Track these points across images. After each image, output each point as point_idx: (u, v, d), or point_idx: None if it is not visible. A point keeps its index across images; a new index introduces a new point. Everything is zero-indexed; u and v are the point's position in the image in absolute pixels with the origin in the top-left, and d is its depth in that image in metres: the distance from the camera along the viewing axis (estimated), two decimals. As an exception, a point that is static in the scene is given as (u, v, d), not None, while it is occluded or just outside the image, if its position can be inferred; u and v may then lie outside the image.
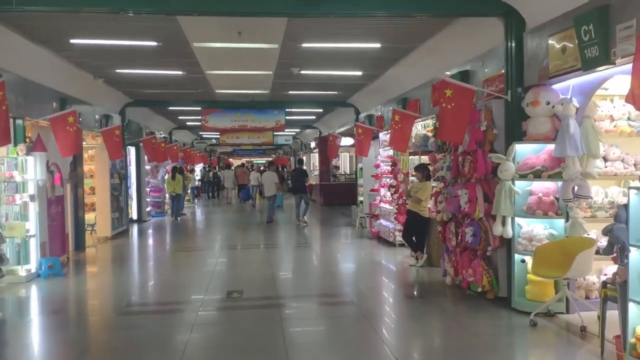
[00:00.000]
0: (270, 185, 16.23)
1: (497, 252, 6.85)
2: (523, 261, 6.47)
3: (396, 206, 11.07)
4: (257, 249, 12.16)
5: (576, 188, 5.95)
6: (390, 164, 11.55)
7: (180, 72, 11.66)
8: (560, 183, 6.16)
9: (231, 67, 11.16)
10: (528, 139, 6.44)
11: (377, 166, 12.75)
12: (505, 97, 6.70)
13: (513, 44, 6.62)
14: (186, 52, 9.55)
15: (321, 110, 19.69)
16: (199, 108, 17.07)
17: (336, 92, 14.76)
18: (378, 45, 9.16)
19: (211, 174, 31.17)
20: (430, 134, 10.34)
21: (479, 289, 6.85)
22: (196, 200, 26.24)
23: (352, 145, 23.30)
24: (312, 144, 29.00)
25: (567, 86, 6.17)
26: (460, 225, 7.32)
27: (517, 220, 6.49)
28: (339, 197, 21.27)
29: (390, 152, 11.79)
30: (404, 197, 10.88)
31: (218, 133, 26.10)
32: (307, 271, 9.58)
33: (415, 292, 7.92)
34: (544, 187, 6.39)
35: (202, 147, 36.19)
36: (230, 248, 12.10)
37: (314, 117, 22.65)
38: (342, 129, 20.27)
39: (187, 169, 24.80)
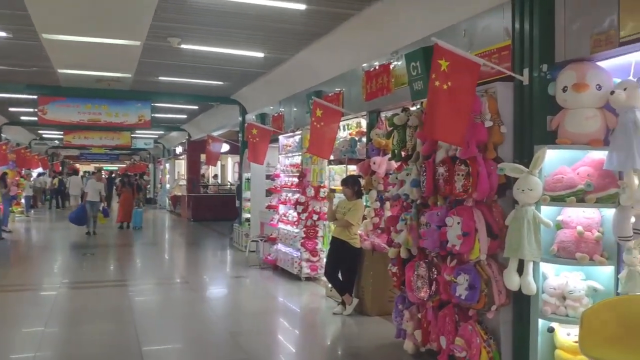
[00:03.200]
0: None
1: (499, 313, 4.53)
2: (551, 330, 4.21)
3: (303, 229, 8.65)
4: (111, 288, 8.61)
5: (633, 219, 3.86)
6: (297, 174, 8.99)
7: (4, 34, 7.97)
8: (605, 211, 4.06)
9: (80, 29, 7.76)
10: (563, 142, 4.20)
11: (276, 176, 10.14)
12: (520, 77, 4.43)
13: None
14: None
15: (196, 107, 16.47)
16: (35, 96, 13.11)
17: (221, 83, 11.76)
18: (303, 6, 6.44)
19: (56, 180, 27.11)
20: (357, 138, 8.04)
21: (475, 370, 4.47)
22: (32, 212, 21.61)
23: (226, 153, 20.44)
24: (179, 149, 25.41)
25: (625, 64, 4.07)
26: (435, 267, 4.93)
27: (542, 266, 4.24)
28: (211, 211, 19.19)
29: (296, 160, 9.25)
30: (313, 219, 8.53)
31: (62, 133, 21.84)
32: (194, 330, 6.36)
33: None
34: (585, 218, 4.19)
35: (42, 149, 31.06)
36: (72, 286, 8.58)
37: (184, 117, 19.26)
38: (217, 133, 17.23)
39: (20, 174, 20.28)
